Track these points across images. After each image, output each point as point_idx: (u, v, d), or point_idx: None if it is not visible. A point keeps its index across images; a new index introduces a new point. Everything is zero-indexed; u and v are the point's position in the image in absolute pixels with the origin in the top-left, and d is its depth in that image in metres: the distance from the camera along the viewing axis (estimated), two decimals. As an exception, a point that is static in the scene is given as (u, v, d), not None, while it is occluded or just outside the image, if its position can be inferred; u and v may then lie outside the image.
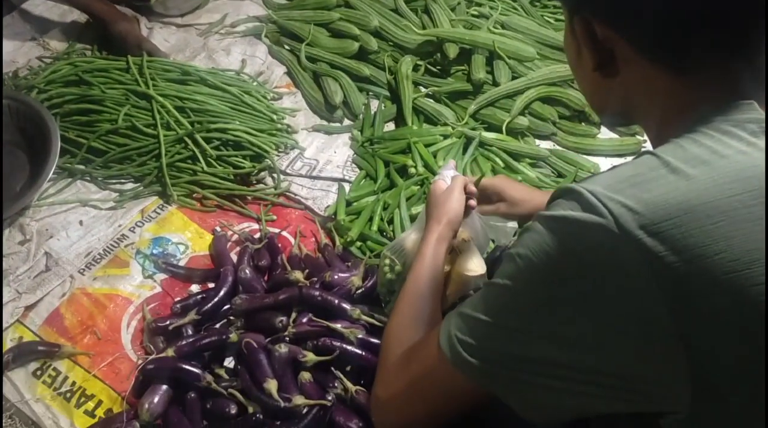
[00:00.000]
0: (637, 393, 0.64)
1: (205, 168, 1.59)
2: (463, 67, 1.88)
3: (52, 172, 1.50)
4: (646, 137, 0.76)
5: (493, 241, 1.33)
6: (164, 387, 1.19)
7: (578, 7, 0.72)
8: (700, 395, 0.61)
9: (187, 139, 1.60)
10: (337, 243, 1.50)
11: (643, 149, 1.71)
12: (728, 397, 0.62)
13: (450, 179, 1.17)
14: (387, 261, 1.20)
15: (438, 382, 0.77)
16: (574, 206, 0.64)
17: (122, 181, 1.61)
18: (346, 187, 1.64)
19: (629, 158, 1.64)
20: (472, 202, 1.17)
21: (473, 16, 2.00)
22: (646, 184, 0.62)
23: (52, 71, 1.71)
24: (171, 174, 1.58)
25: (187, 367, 1.19)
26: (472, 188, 1.18)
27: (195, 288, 1.42)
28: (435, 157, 1.67)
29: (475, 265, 1.14)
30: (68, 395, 1.25)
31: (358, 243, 1.51)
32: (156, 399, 1.17)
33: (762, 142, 0.63)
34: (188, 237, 1.52)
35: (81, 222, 1.52)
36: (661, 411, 0.64)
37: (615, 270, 0.61)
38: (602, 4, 0.69)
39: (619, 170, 0.67)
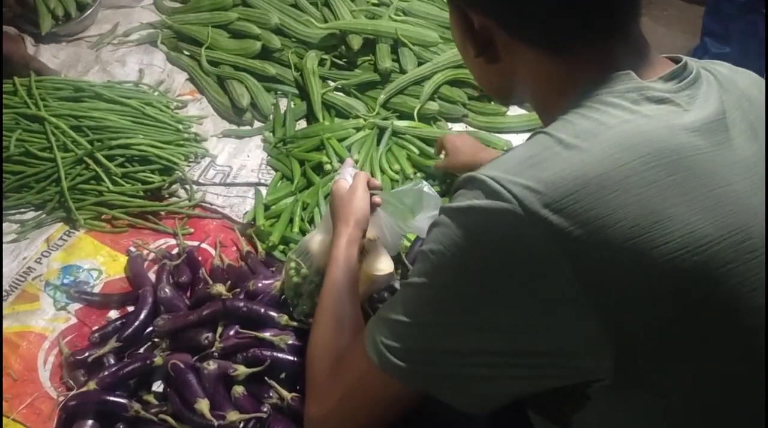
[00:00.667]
0: (564, 368, 0.66)
1: (111, 187, 1.52)
2: (369, 58, 1.86)
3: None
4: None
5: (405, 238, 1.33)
6: (90, 422, 1.12)
7: None
8: (621, 360, 0.63)
9: (87, 159, 1.52)
10: (260, 249, 1.46)
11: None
12: (646, 358, 0.63)
13: (350, 177, 1.15)
14: (293, 264, 1.18)
15: (371, 391, 0.77)
16: (477, 194, 0.65)
17: (22, 210, 1.52)
18: (263, 190, 1.60)
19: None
20: (377, 199, 1.16)
21: (374, 5, 1.99)
22: (543, 163, 0.63)
23: (-70, 101, 1.59)
24: (75, 197, 1.50)
25: (112, 398, 1.13)
26: (376, 182, 1.17)
27: (113, 314, 1.35)
28: (350, 150, 1.65)
29: (383, 264, 1.13)
30: (-14, 444, 1.17)
31: (281, 247, 1.48)
32: (82, 437, 1.11)
33: (644, 108, 0.66)
34: (101, 262, 1.45)
35: (-18, 259, 1.43)
36: (588, 380, 0.66)
37: (526, 253, 0.62)
38: None
39: (516, 152, 0.68)
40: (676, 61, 0.72)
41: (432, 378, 0.71)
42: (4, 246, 1.46)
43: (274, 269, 1.40)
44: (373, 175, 1.58)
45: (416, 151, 1.67)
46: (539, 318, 0.63)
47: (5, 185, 1.51)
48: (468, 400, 0.72)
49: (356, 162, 1.60)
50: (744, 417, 0.67)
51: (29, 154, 1.52)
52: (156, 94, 1.78)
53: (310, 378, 0.90)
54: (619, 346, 0.62)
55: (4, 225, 1.50)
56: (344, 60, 1.88)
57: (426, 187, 1.26)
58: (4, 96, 1.63)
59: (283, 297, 1.26)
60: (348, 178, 1.15)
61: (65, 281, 1.40)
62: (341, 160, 1.62)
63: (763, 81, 0.76)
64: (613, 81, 0.68)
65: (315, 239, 1.19)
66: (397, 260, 1.30)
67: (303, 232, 1.50)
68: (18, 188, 1.52)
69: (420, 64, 1.82)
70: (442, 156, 1.51)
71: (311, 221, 1.52)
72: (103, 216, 1.52)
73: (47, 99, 1.62)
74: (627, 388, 0.65)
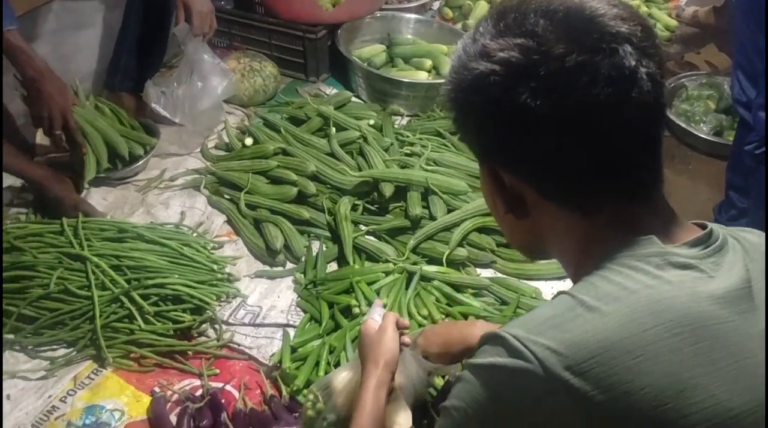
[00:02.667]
0: None
1: (143, 326, 1.54)
2: (400, 204, 1.93)
3: (-23, 345, 1.43)
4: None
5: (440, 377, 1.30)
6: None
7: (485, 156, 0.76)
8: None
9: (123, 297, 1.56)
10: (284, 392, 1.44)
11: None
12: None
13: (379, 318, 1.16)
14: (311, 396, 1.17)
15: None
16: (500, 352, 0.65)
17: (54, 347, 1.54)
18: (291, 332, 1.61)
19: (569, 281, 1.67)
20: (406, 339, 1.15)
21: (406, 155, 2.09)
22: (565, 324, 0.64)
23: (-18, 239, 1.68)
24: (106, 335, 1.52)
25: None
26: (405, 322, 1.17)
27: (132, 458, 1.33)
28: (378, 294, 1.66)
29: (402, 419, 1.11)
30: None
31: (305, 392, 1.45)
32: None
33: (667, 274, 0.66)
34: (124, 402, 1.44)
35: (8, 397, 1.43)
36: None
37: (547, 414, 0.62)
38: (505, 157, 0.73)
39: (538, 312, 0.69)
40: (703, 226, 0.73)
41: None
42: (32, 383, 1.47)
43: (297, 414, 1.37)
44: (401, 319, 1.58)
45: (443, 298, 1.67)
46: None
47: (41, 322, 1.54)
48: None
49: (384, 306, 1.60)
50: None
51: (68, 292, 1.57)
52: (195, 235, 1.85)
53: None
54: None
55: (34, 362, 1.51)
56: (376, 206, 1.95)
57: None
58: (50, 235, 1.71)
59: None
60: (377, 317, 1.16)
61: (87, 421, 1.39)
62: (369, 304, 1.63)
63: None
64: (636, 245, 0.69)
65: (341, 376, 1.18)
66: (422, 407, 1.27)
67: (328, 377, 1.48)
68: (53, 325, 1.55)
69: (449, 211, 1.87)
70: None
71: (337, 364, 1.50)
72: (131, 355, 1.53)
73: (92, 239, 1.69)
74: None
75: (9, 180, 1.95)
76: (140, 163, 2.06)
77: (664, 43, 3.07)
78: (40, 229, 1.72)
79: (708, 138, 2.37)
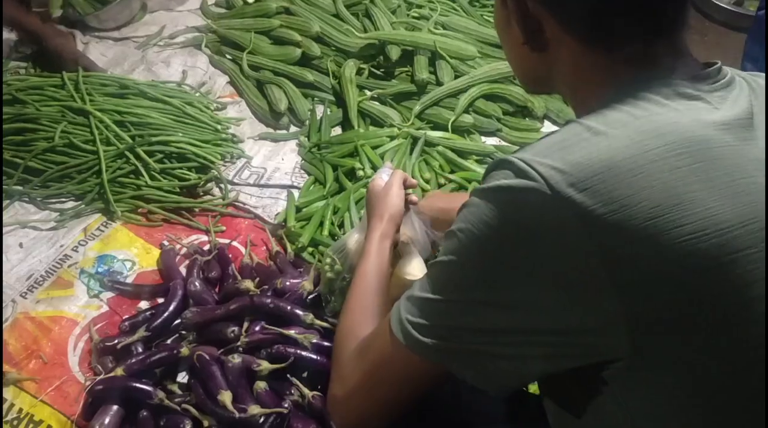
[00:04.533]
0: (582, 347, 0.67)
1: (149, 182, 1.56)
2: (406, 69, 1.89)
3: (-13, 195, 1.45)
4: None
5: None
6: (115, 407, 1.15)
7: None
8: (638, 339, 0.64)
9: (128, 153, 1.57)
10: (289, 250, 1.48)
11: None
12: (663, 340, 0.65)
13: (387, 177, 1.16)
14: (328, 260, 1.20)
15: (395, 369, 0.78)
16: (507, 175, 0.67)
17: (62, 199, 1.57)
18: (296, 193, 1.63)
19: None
20: (413, 197, 1.17)
21: (414, 17, 2.02)
22: (571, 148, 0.66)
23: (-17, 91, 1.65)
24: (113, 190, 1.54)
25: (137, 385, 1.15)
26: (413, 181, 1.18)
27: (144, 304, 1.39)
28: (383, 158, 1.67)
29: (416, 269, 1.14)
30: (15, 422, 1.20)
31: (310, 249, 1.50)
32: (107, 420, 1.13)
33: (674, 103, 0.68)
34: (135, 254, 1.49)
35: (21, 245, 1.47)
36: (604, 360, 0.67)
37: (551, 229, 0.64)
38: None
39: (547, 138, 0.71)
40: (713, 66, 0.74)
41: (455, 355, 0.73)
42: (43, 233, 1.50)
43: (302, 270, 1.42)
44: (404, 183, 1.60)
45: (446, 164, 1.67)
46: (560, 294, 0.65)
47: (48, 174, 1.55)
48: (488, 379, 0.73)
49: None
50: (757, 399, 0.67)
51: (73, 146, 1.57)
52: (197, 94, 1.82)
53: (335, 358, 0.92)
54: (635, 325, 0.64)
55: (44, 213, 1.55)
56: (382, 70, 1.91)
57: None
58: (51, 89, 1.69)
59: (308, 296, 1.28)
60: (385, 177, 1.17)
61: (99, 270, 1.44)
62: (374, 167, 1.64)
63: None
64: (652, 80, 0.70)
65: (353, 237, 1.20)
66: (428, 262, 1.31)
67: (333, 236, 1.51)
68: (60, 178, 1.57)
69: (457, 77, 1.83)
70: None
71: (341, 225, 1.53)
72: (139, 210, 1.56)
73: (93, 94, 1.67)
74: (643, 370, 0.66)
75: (6, 32, 1.89)
76: (117, 2, 1.97)
77: None
78: (40, 82, 1.69)
79: (727, 6, 2.27)
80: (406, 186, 1.16)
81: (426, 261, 1.25)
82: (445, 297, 0.73)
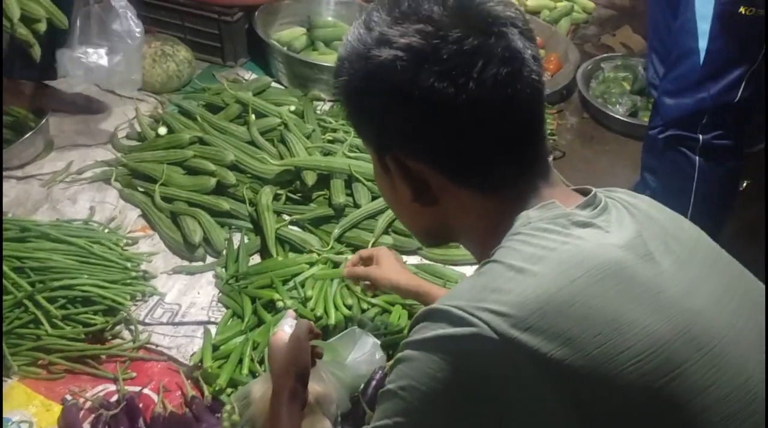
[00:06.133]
0: None
1: (50, 330, 1.45)
2: (323, 193, 1.89)
3: None
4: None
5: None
6: None
7: (387, 146, 0.77)
8: None
9: (27, 301, 1.46)
10: (206, 393, 1.39)
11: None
12: None
13: (290, 329, 1.11)
14: (228, 407, 1.14)
15: None
16: (443, 325, 0.65)
17: (-49, 359, 1.43)
18: (213, 329, 1.55)
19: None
20: (318, 349, 1.12)
21: (328, 141, 2.05)
22: (502, 289, 0.66)
23: None
24: (10, 342, 1.43)
25: None
26: (317, 331, 1.14)
27: (40, 473, 1.25)
28: (303, 286, 1.62)
29: None
30: None
31: (229, 391, 1.40)
32: None
33: (574, 232, 0.71)
34: (33, 413, 1.36)
35: None
36: None
37: (504, 374, 0.63)
38: (410, 143, 0.74)
39: (470, 282, 0.71)
40: (585, 192, 0.78)
41: None
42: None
43: (219, 415, 1.32)
44: (326, 311, 1.55)
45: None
46: None
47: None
48: None
49: (309, 298, 1.57)
50: None
51: (-36, 299, 1.46)
52: (106, 231, 1.75)
53: None
54: None
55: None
56: (299, 195, 1.90)
57: (357, 330, 1.28)
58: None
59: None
60: (287, 329, 1.11)
61: (-10, 437, 1.29)
62: (293, 298, 1.59)
63: (657, 204, 0.82)
64: (542, 210, 0.73)
65: (258, 386, 1.14)
66: (355, 404, 1.25)
67: (253, 374, 1.43)
68: (-52, 335, 1.43)
69: (374, 198, 1.84)
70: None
71: (261, 361, 1.45)
72: (39, 362, 1.43)
73: (-10, 240, 1.57)
74: None
75: None
76: (20, 140, 1.92)
77: (582, 24, 3.14)
78: (-70, 231, 1.58)
79: (624, 119, 2.43)
80: (311, 336, 1.10)
81: (352, 402, 1.20)
82: None
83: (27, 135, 1.92)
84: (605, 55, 2.80)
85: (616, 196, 0.79)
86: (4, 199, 1.82)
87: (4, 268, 1.50)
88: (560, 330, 0.62)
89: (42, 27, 1.75)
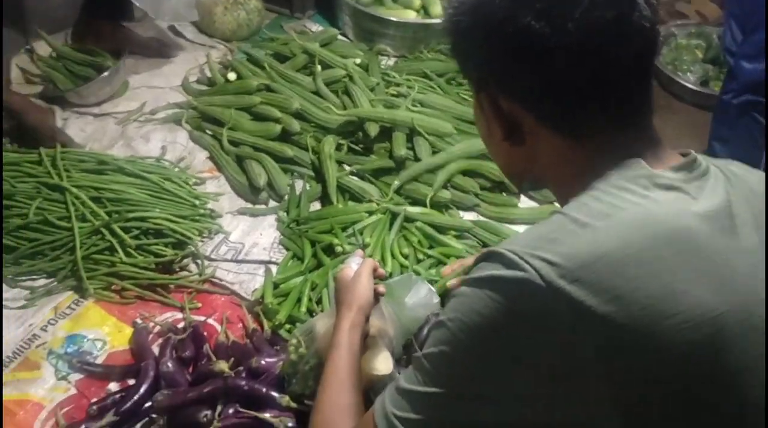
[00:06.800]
0: None
1: (124, 258, 1.53)
2: (384, 145, 1.91)
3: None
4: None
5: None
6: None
7: (483, 83, 0.78)
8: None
9: (103, 230, 1.55)
10: (266, 327, 1.46)
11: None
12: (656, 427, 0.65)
13: (356, 267, 1.16)
14: (294, 341, 1.19)
15: None
16: (497, 266, 0.67)
17: (34, 277, 1.53)
18: (273, 269, 1.61)
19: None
20: (381, 288, 1.16)
21: (392, 95, 2.06)
22: (560, 240, 0.67)
23: (-42, 166, 1.64)
24: (87, 267, 1.52)
25: (104, 475, 1.10)
26: (382, 271, 1.18)
27: (114, 386, 1.34)
28: (362, 234, 1.67)
29: (382, 364, 1.13)
30: None
31: (288, 326, 1.47)
32: None
33: (653, 194, 0.70)
34: (106, 332, 1.45)
35: (-12, 324, 1.43)
36: None
37: (543, 320, 0.64)
38: (505, 81, 0.75)
39: (533, 230, 0.72)
40: (686, 155, 0.76)
41: None
42: (12, 311, 1.46)
43: (278, 348, 1.39)
44: (383, 259, 1.59)
45: (426, 240, 1.67)
46: (553, 385, 0.65)
47: (20, 252, 1.52)
48: None
49: (367, 245, 1.61)
50: None
51: (47, 223, 1.55)
52: (176, 169, 1.82)
53: None
54: (628, 414, 0.64)
55: (14, 291, 1.51)
56: (361, 146, 1.94)
57: (414, 276, 1.30)
58: (28, 165, 1.68)
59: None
60: (354, 266, 1.16)
61: (69, 350, 1.39)
62: (351, 244, 1.64)
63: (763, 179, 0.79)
64: (624, 167, 0.72)
65: (322, 321, 1.19)
66: (408, 345, 1.29)
67: (310, 312, 1.49)
68: (32, 255, 1.54)
69: (434, 153, 1.86)
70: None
71: (319, 301, 1.51)
72: (112, 287, 1.52)
73: (70, 170, 1.66)
74: None
75: (-17, 107, 1.90)
76: (98, 78, 1.99)
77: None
78: (17, 158, 1.69)
79: (694, 87, 2.37)
80: (375, 276, 1.15)
81: (404, 346, 1.24)
82: (436, 389, 0.71)
83: (104, 74, 1.99)
84: (679, 22, 2.71)
85: (723, 166, 0.77)
86: (82, 134, 1.91)
87: (83, 196, 1.58)
88: (608, 286, 0.63)
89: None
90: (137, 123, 1.99)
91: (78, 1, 2.19)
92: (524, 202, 1.84)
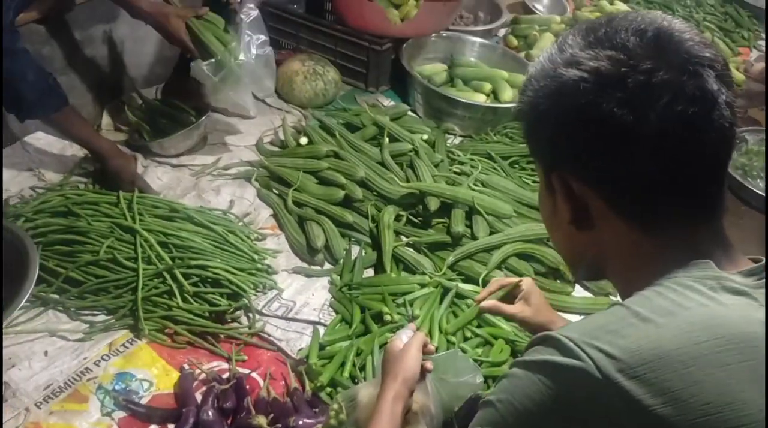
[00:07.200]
0: None
1: (181, 303, 1.58)
2: (443, 220, 1.94)
3: (24, 301, 1.48)
4: (618, 297, 0.80)
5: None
6: None
7: (557, 165, 0.78)
8: None
9: (166, 273, 1.61)
10: (307, 387, 1.46)
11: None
12: None
13: (407, 339, 1.16)
14: (335, 406, 1.18)
15: None
16: (552, 352, 0.67)
17: (95, 312, 1.59)
18: (321, 330, 1.63)
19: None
20: (428, 364, 1.16)
21: (455, 173, 2.11)
22: (620, 332, 0.66)
23: (41, 201, 1.76)
24: (145, 307, 1.57)
25: None
26: (431, 347, 1.18)
27: (154, 428, 1.36)
28: (412, 305, 1.68)
29: None
30: None
31: (329, 389, 1.47)
32: None
33: (721, 297, 0.68)
34: (154, 374, 1.48)
35: (46, 353, 1.49)
36: None
37: (596, 413, 0.63)
38: (579, 164, 0.75)
39: (592, 319, 0.71)
40: (756, 261, 0.75)
41: None
42: (69, 343, 1.52)
43: (317, 410, 1.39)
44: (431, 332, 1.59)
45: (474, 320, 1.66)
46: None
47: (86, 286, 1.60)
48: None
49: (416, 317, 1.62)
50: None
51: (115, 261, 1.63)
52: (240, 224, 1.89)
53: None
54: None
55: (74, 323, 1.57)
56: (419, 219, 1.97)
57: (460, 353, 1.29)
58: (106, 205, 1.78)
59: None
60: (404, 338, 1.17)
61: (117, 387, 1.43)
62: (400, 314, 1.64)
63: None
64: (693, 266, 0.71)
65: (365, 390, 1.19)
66: (448, 424, 1.27)
67: (353, 378, 1.49)
68: (96, 291, 1.61)
69: (492, 233, 1.88)
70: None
71: (363, 368, 1.51)
72: (166, 330, 1.57)
73: (144, 214, 1.75)
74: None
75: (74, 149, 2.04)
76: (180, 132, 2.10)
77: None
78: (97, 199, 1.79)
79: (763, 194, 2.32)
80: (424, 351, 1.15)
81: (444, 424, 1.22)
82: None
83: (185, 129, 2.11)
84: (751, 127, 2.69)
85: None
86: (159, 182, 2.02)
87: (152, 239, 1.66)
88: (668, 388, 0.61)
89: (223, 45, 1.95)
90: (210, 176, 2.09)
91: (171, 61, 2.37)
92: (578, 292, 1.81)
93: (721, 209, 0.75)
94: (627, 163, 0.70)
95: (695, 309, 0.67)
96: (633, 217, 0.74)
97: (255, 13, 2.04)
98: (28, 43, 1.70)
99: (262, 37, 2.07)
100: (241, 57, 1.96)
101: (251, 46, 2.03)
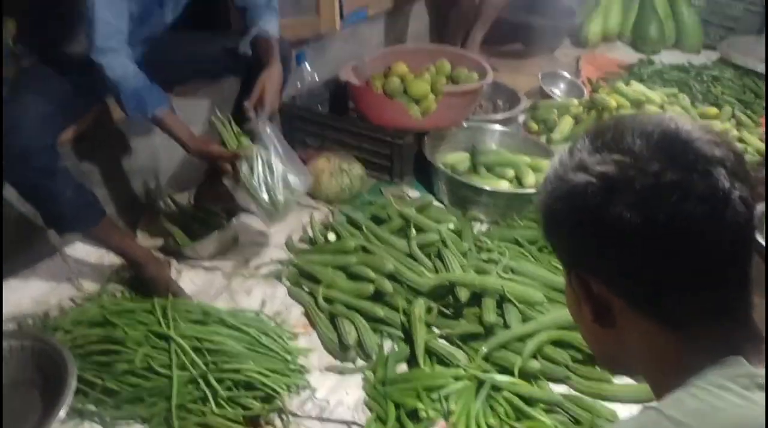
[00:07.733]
0: None
1: (215, 409, 1.58)
2: (475, 310, 1.93)
3: (62, 414, 1.50)
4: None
5: None
6: None
7: (574, 264, 0.79)
8: None
9: (199, 379, 1.62)
10: (345, 493, 1.43)
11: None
12: None
13: None
14: None
15: None
16: None
17: (130, 422, 1.60)
18: (357, 430, 1.61)
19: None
20: None
21: (483, 261, 2.11)
22: None
23: (80, 313, 1.80)
24: (180, 415, 1.57)
25: None
26: None
27: None
28: (447, 400, 1.64)
29: None
30: None
31: (367, 496, 1.43)
32: None
33: (754, 396, 0.66)
34: (190, 484, 1.46)
35: (83, 466, 1.48)
36: None
37: None
38: (595, 265, 0.75)
39: (625, 425, 0.71)
40: None
41: None
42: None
43: None
44: (468, 429, 1.55)
45: (513, 411, 1.62)
46: None
47: (122, 396, 1.61)
48: None
49: (452, 413, 1.58)
50: None
51: (151, 369, 1.64)
52: (273, 324, 1.91)
53: None
54: None
55: (111, 434, 1.58)
56: (451, 310, 1.96)
57: None
58: (142, 313, 1.82)
59: None
60: None
61: (152, 501, 1.41)
62: (435, 410, 1.61)
63: None
64: (724, 364, 0.70)
65: None
66: None
67: (390, 482, 1.45)
68: (133, 400, 1.61)
69: (524, 321, 1.85)
70: None
71: (400, 470, 1.47)
72: (200, 438, 1.56)
73: (178, 320, 1.78)
74: None
75: (110, 257, 2.10)
76: (212, 236, 2.16)
77: (754, 167, 3.02)
78: (133, 307, 1.83)
79: (763, 243, 2.26)
80: None
81: None
82: None
83: (216, 232, 2.18)
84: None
85: None
86: (192, 286, 2.06)
87: (186, 345, 1.68)
88: None
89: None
90: (241, 277, 2.12)
91: (202, 166, 2.47)
92: (621, 379, 1.76)
93: (749, 298, 0.74)
94: (641, 263, 0.71)
95: (729, 411, 0.65)
96: (654, 314, 0.73)
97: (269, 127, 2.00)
98: (68, 160, 1.80)
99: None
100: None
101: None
